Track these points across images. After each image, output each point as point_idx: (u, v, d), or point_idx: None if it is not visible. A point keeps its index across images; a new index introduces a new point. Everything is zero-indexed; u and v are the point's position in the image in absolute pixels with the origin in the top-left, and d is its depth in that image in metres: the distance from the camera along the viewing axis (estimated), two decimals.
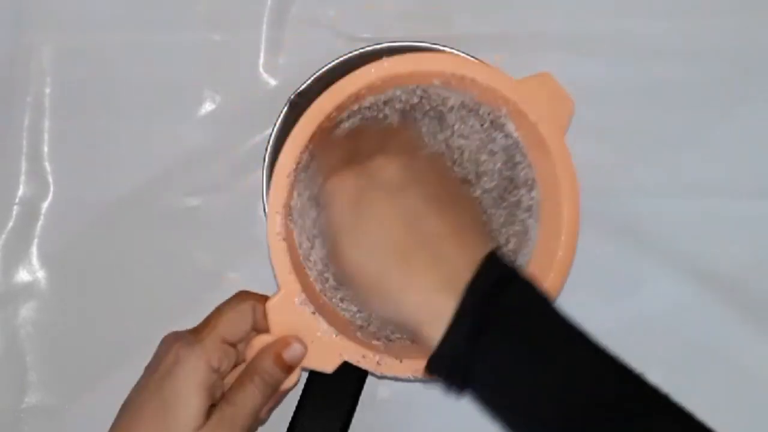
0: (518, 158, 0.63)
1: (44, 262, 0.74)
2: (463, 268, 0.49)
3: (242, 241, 0.72)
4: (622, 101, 0.73)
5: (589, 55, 0.73)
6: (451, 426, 0.72)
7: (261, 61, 0.74)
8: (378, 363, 0.59)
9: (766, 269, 0.72)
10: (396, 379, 0.64)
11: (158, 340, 0.63)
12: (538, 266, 0.62)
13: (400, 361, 0.59)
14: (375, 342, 0.61)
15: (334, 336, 0.59)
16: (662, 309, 0.72)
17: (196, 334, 0.57)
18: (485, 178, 0.63)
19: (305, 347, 0.57)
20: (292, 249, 0.60)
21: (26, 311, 0.74)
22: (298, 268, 0.60)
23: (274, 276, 0.59)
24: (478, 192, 0.63)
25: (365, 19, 0.73)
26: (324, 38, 0.73)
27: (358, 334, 0.61)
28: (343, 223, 0.51)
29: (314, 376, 0.68)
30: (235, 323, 0.57)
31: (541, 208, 0.63)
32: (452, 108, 0.62)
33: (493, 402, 0.50)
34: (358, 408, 0.69)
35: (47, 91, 0.75)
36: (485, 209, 0.62)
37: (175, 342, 0.56)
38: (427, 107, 0.62)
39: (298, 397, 0.68)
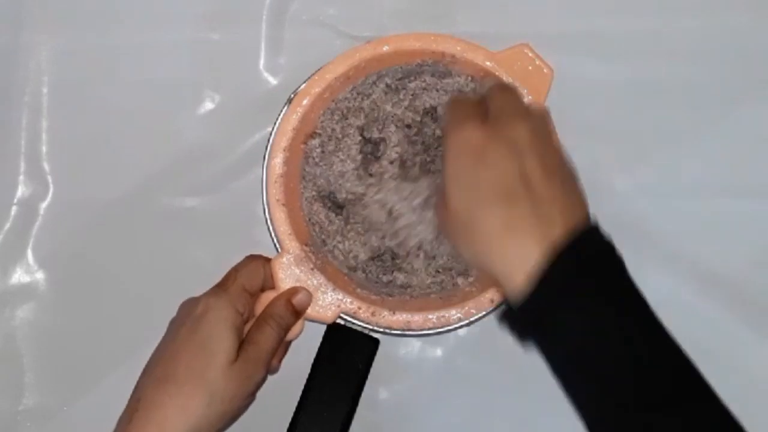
0: None
1: (42, 262, 0.74)
2: (559, 231, 0.53)
3: (241, 241, 0.72)
4: (622, 101, 0.73)
5: (589, 55, 0.73)
6: (451, 426, 0.72)
7: (261, 60, 0.74)
8: (372, 314, 0.66)
9: (766, 269, 0.72)
10: (390, 333, 0.67)
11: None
12: None
13: (393, 314, 0.65)
14: (374, 297, 0.67)
15: (331, 290, 0.65)
16: (662, 309, 0.71)
17: (219, 287, 0.64)
18: None
19: (310, 295, 0.65)
20: (294, 214, 0.67)
21: (24, 312, 0.74)
22: (300, 229, 0.67)
23: (273, 239, 0.67)
24: None
25: (365, 18, 0.74)
26: (324, 37, 0.73)
27: (358, 290, 0.67)
28: (463, 168, 0.56)
29: (314, 376, 0.68)
30: (252, 275, 0.64)
31: None
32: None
33: (563, 356, 0.54)
34: (358, 408, 0.68)
35: (45, 91, 0.74)
36: None
37: (200, 297, 0.63)
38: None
39: (299, 397, 0.68)
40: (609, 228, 0.72)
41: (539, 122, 0.58)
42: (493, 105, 0.58)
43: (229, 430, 0.71)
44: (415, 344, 0.72)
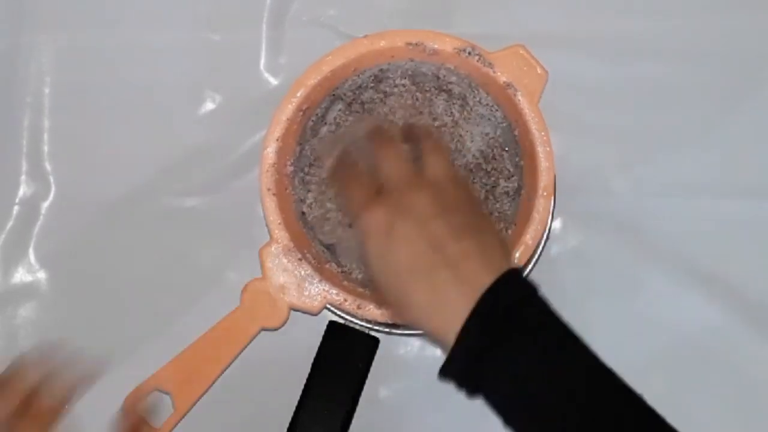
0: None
1: (43, 262, 0.74)
2: (483, 285, 0.53)
3: (241, 241, 0.72)
4: (622, 101, 0.73)
5: (589, 55, 0.73)
6: (451, 426, 0.72)
7: (262, 60, 0.74)
8: (358, 307, 0.66)
9: (766, 269, 0.72)
10: (380, 330, 0.68)
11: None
12: (521, 219, 0.68)
13: (379, 307, 0.65)
14: (360, 289, 0.67)
15: (318, 281, 0.66)
16: (662, 309, 0.72)
17: None
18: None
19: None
20: (285, 206, 0.68)
21: (25, 311, 0.74)
22: (290, 221, 0.67)
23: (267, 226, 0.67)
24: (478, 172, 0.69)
25: (365, 18, 0.74)
26: (324, 38, 0.73)
27: (345, 282, 0.67)
28: (377, 251, 0.56)
29: (314, 376, 0.68)
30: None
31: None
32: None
33: (502, 405, 0.54)
34: (358, 408, 0.69)
35: (47, 91, 0.75)
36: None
37: None
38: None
39: (298, 397, 0.68)
40: (609, 228, 0.72)
41: (436, 170, 0.58)
42: (384, 173, 0.58)
43: (228, 427, 0.72)
44: (415, 344, 0.72)
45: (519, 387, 0.52)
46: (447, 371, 0.54)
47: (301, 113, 0.68)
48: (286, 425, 0.68)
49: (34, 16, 0.75)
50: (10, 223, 0.74)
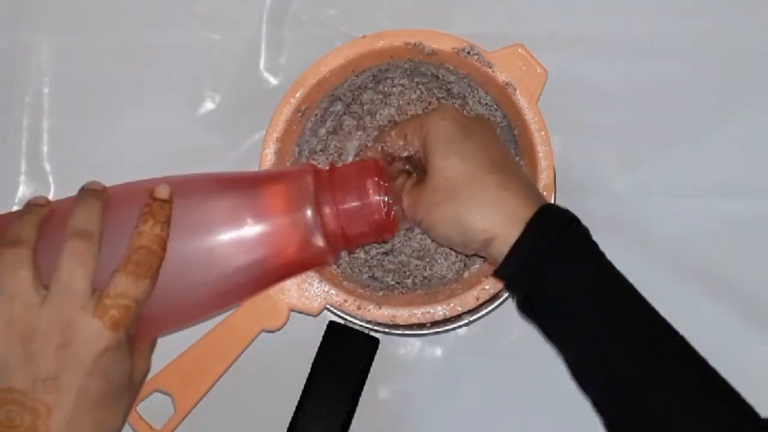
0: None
1: None
2: (540, 199, 0.60)
3: None
4: (622, 101, 0.73)
5: (589, 55, 0.73)
6: (451, 426, 0.72)
7: (262, 60, 0.74)
8: (358, 307, 0.66)
9: (765, 269, 0.72)
10: (380, 330, 0.68)
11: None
12: None
13: (379, 308, 0.66)
14: (360, 290, 0.68)
15: (317, 281, 0.66)
16: (662, 309, 0.71)
17: None
18: None
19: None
20: None
21: None
22: None
23: None
24: None
25: (365, 18, 0.74)
26: (324, 37, 0.73)
27: (345, 283, 0.68)
28: (458, 140, 0.61)
29: (314, 376, 0.68)
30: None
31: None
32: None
33: (551, 308, 0.58)
34: (358, 408, 0.69)
35: (46, 91, 0.75)
36: None
37: None
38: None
39: (299, 397, 0.68)
40: (609, 228, 0.72)
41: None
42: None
43: (229, 428, 0.72)
44: (415, 344, 0.72)
45: (571, 295, 0.57)
46: (505, 268, 0.58)
47: (300, 114, 0.68)
48: (286, 425, 0.68)
49: (34, 16, 0.75)
50: None
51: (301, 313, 0.66)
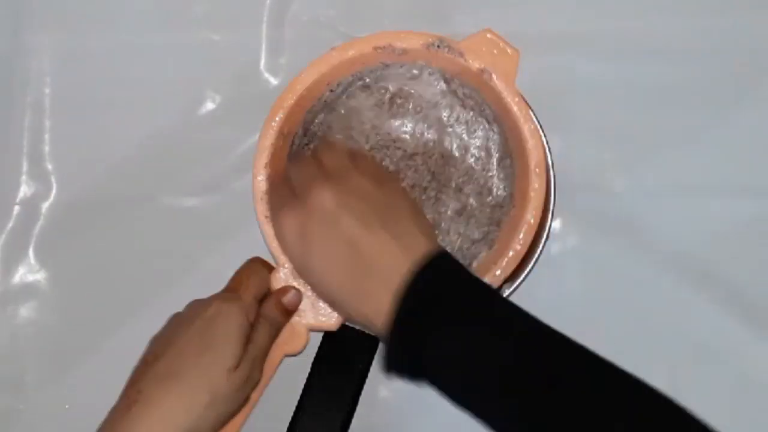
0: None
1: (44, 262, 0.74)
2: (405, 273, 0.55)
3: (242, 241, 0.72)
4: (622, 101, 0.73)
5: (589, 55, 0.73)
6: (451, 426, 0.72)
7: (262, 60, 0.74)
8: None
9: (765, 269, 0.72)
10: None
11: None
12: (518, 201, 0.67)
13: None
14: None
15: None
16: (662, 309, 0.72)
17: (232, 292, 0.63)
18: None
19: (300, 294, 0.64)
20: None
21: (26, 311, 0.74)
22: None
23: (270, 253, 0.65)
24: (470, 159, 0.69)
25: (365, 18, 0.74)
26: (324, 38, 0.73)
27: None
28: (295, 254, 0.60)
29: (314, 376, 0.68)
30: (262, 284, 0.64)
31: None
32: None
33: (445, 386, 0.55)
34: (358, 408, 0.69)
35: (47, 91, 0.75)
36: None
37: (212, 299, 0.63)
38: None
39: (298, 397, 0.68)
40: (609, 228, 0.72)
41: (338, 168, 0.60)
42: (294, 179, 0.62)
43: None
44: None
45: (454, 368, 0.54)
46: (387, 369, 0.56)
47: (283, 137, 0.67)
48: (286, 425, 0.68)
49: (35, 17, 0.75)
50: (10, 224, 0.74)
51: (320, 331, 0.66)
